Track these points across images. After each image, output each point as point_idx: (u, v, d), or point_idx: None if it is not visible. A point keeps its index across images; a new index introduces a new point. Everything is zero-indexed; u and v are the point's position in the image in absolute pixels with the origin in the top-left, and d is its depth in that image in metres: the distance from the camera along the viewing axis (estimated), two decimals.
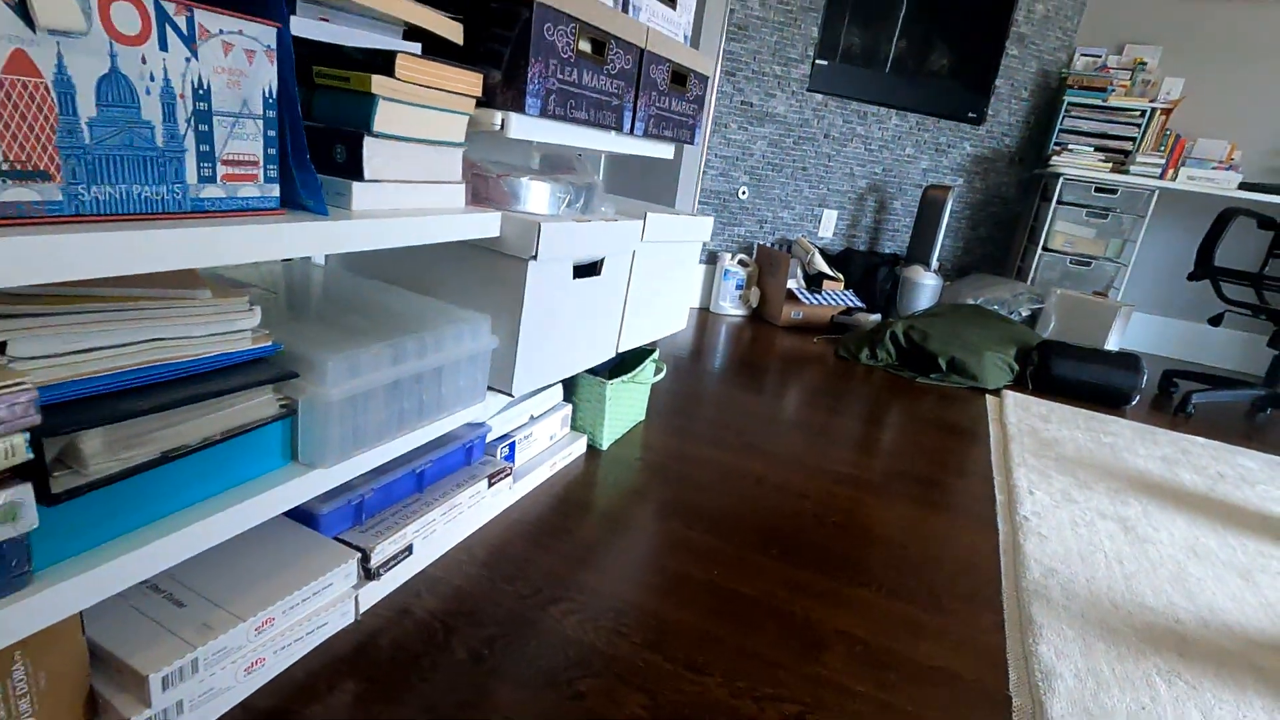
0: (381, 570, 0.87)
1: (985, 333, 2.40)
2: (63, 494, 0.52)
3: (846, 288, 2.93)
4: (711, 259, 2.98)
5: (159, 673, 0.61)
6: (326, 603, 0.79)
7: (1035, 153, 3.17)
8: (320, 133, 0.76)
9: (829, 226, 3.15)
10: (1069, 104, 2.97)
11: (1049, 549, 1.24)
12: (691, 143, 1.43)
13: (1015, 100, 3.09)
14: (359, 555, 0.83)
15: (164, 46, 0.53)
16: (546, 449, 1.28)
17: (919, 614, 1.02)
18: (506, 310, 1.00)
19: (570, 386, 1.38)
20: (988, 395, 2.21)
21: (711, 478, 1.36)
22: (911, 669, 0.90)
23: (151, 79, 0.53)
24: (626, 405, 1.46)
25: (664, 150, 1.39)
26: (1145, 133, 2.92)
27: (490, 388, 1.04)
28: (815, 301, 2.74)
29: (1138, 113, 2.92)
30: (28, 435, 0.48)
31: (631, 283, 1.28)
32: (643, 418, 1.60)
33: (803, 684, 0.85)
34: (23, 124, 0.46)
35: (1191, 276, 2.32)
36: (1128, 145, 2.96)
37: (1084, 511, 1.42)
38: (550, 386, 1.29)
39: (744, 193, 2.98)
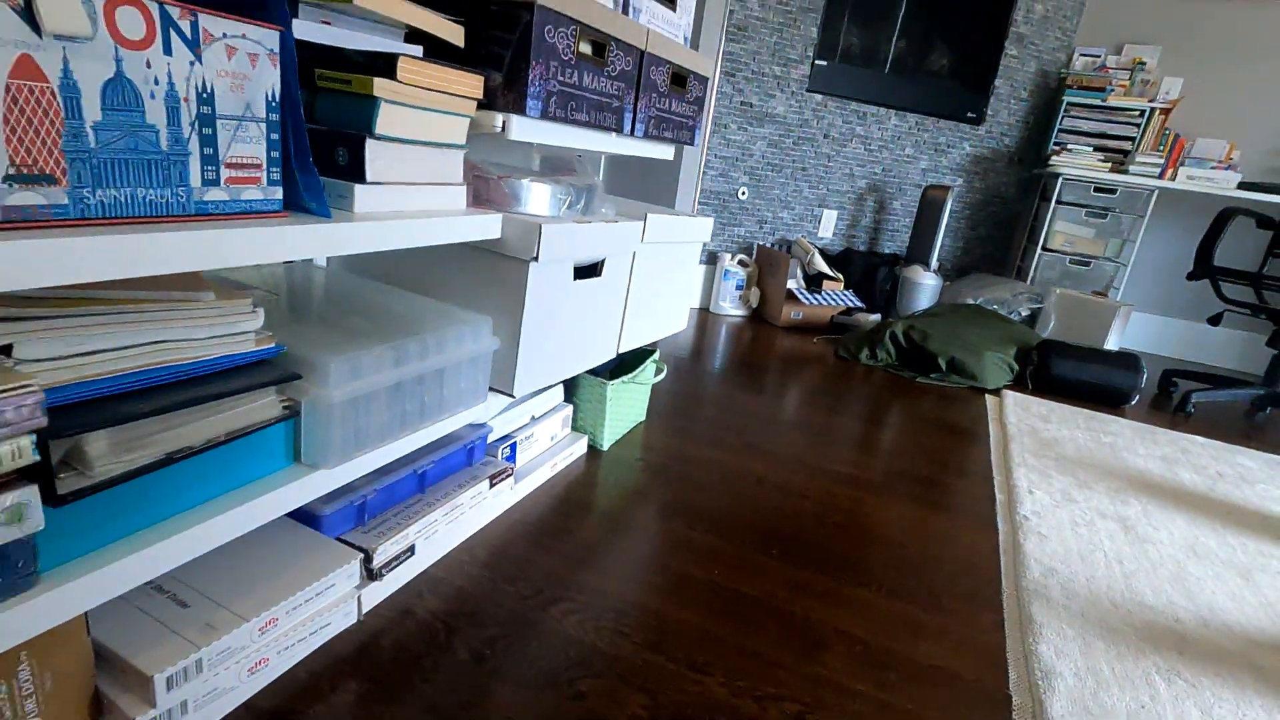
0: (384, 571, 0.87)
1: (985, 332, 2.40)
2: (68, 495, 0.52)
3: (846, 288, 2.93)
4: (711, 259, 2.98)
5: (164, 673, 0.61)
6: (329, 603, 0.79)
7: (1034, 153, 3.17)
8: (322, 135, 0.76)
9: (829, 227, 3.15)
10: (1068, 104, 2.98)
11: (1049, 548, 1.24)
12: (691, 144, 1.43)
13: (1014, 100, 3.09)
14: (361, 556, 0.83)
15: (168, 51, 0.53)
16: (547, 450, 1.28)
17: (919, 614, 1.03)
18: (508, 311, 1.00)
19: (571, 387, 1.38)
20: (988, 395, 2.21)
21: (712, 478, 1.36)
22: (912, 668, 0.91)
23: (156, 83, 0.53)
24: (627, 406, 1.47)
25: (664, 151, 1.39)
26: (1144, 132, 2.92)
27: (492, 389, 1.04)
28: (815, 302, 2.75)
29: (1137, 112, 2.93)
30: (34, 437, 0.48)
31: (632, 284, 1.29)
32: (643, 418, 1.60)
33: (803, 684, 0.85)
34: (29, 128, 0.47)
35: (1191, 276, 2.33)
36: (1127, 145, 2.96)
37: (1084, 511, 1.42)
38: (551, 387, 1.30)
39: (744, 193, 2.98)
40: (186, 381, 0.62)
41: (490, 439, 1.13)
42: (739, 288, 2.87)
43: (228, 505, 0.66)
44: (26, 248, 0.46)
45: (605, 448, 1.41)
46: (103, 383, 0.56)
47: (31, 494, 0.49)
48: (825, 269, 2.84)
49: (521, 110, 0.94)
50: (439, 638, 0.84)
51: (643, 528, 1.15)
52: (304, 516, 0.85)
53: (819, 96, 2.95)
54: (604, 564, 1.03)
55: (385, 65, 0.75)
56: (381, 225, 0.74)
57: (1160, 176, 2.87)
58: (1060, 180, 2.90)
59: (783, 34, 2.81)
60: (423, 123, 0.81)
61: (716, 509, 1.24)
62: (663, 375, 1.55)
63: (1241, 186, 2.81)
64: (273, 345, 0.70)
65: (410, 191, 0.82)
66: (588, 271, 1.13)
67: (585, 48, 1.02)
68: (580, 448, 1.37)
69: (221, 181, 0.60)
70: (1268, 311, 2.26)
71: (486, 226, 0.92)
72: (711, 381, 1.97)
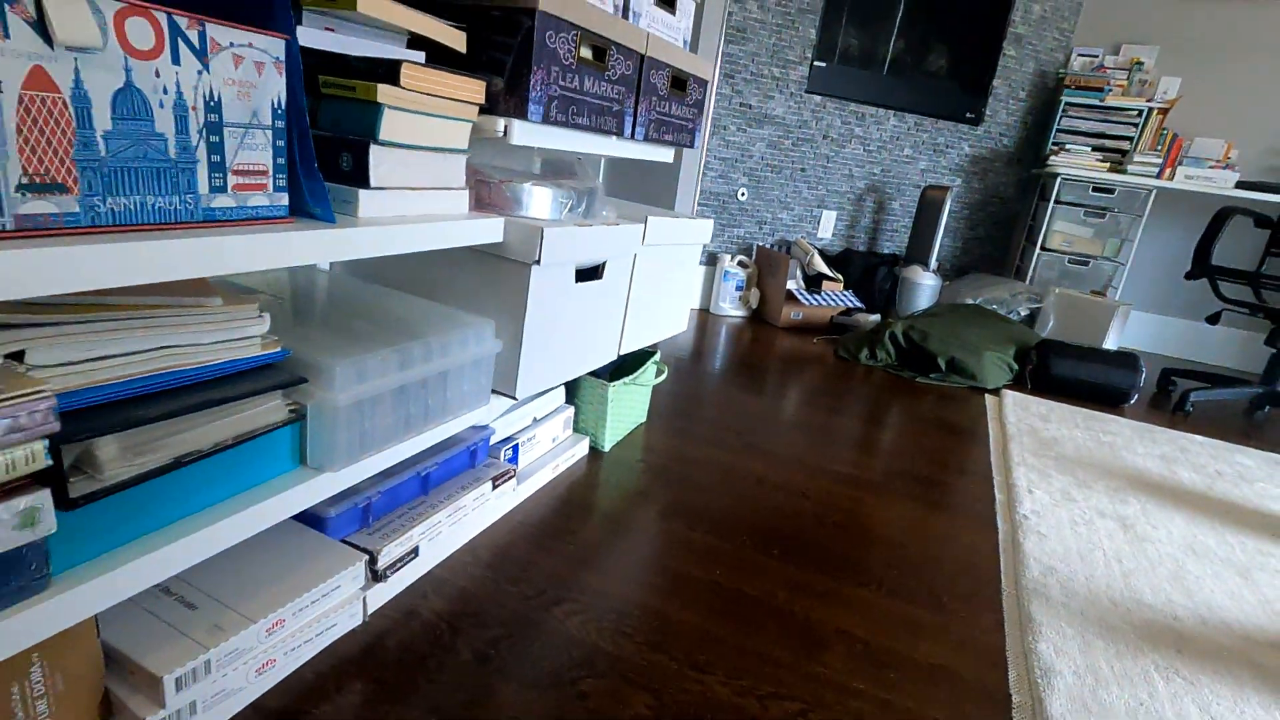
0: (388, 572, 0.88)
1: (984, 332, 2.41)
2: (80, 499, 0.53)
3: (846, 288, 2.94)
4: (711, 260, 2.99)
5: (173, 674, 0.62)
6: (335, 604, 0.80)
7: (1033, 153, 3.18)
8: (326, 141, 0.77)
9: (828, 227, 3.16)
10: (1066, 104, 2.99)
11: (1048, 547, 1.25)
12: (691, 146, 1.44)
13: (1013, 100, 3.10)
14: (366, 557, 0.84)
15: (176, 60, 0.54)
16: (549, 451, 1.29)
17: (919, 613, 1.03)
18: (510, 314, 1.01)
19: (572, 389, 1.39)
20: (987, 395, 2.22)
21: (713, 478, 1.37)
22: (912, 667, 0.91)
23: (165, 92, 0.54)
24: (628, 407, 1.47)
25: (664, 154, 1.40)
26: (1142, 132, 2.93)
27: (494, 391, 1.05)
28: (815, 302, 2.76)
29: (1135, 112, 2.93)
30: (46, 442, 0.49)
31: (632, 286, 1.30)
32: (644, 419, 1.61)
33: (804, 683, 0.86)
34: (41, 138, 0.47)
35: (1189, 275, 2.34)
36: (1125, 145, 2.97)
37: (1083, 510, 1.43)
38: (553, 389, 1.30)
39: (743, 194, 2.99)
40: (194, 386, 0.63)
41: (493, 441, 1.14)
42: (739, 288, 2.88)
43: (235, 508, 0.67)
44: (40, 256, 0.47)
45: (607, 449, 1.42)
46: (113, 388, 0.56)
47: (44, 498, 0.50)
48: (825, 269, 2.84)
49: (523, 115, 0.94)
50: (443, 638, 0.85)
51: (644, 528, 1.16)
52: (309, 519, 0.86)
53: (818, 97, 2.96)
54: (606, 564, 1.04)
55: (388, 71, 0.76)
56: (385, 230, 0.75)
57: (1158, 176, 2.88)
58: (1059, 180, 2.91)
59: (781, 35, 2.82)
60: (425, 128, 0.81)
61: (717, 509, 1.25)
62: (664, 377, 1.56)
63: (1239, 186, 2.82)
64: (278, 349, 0.71)
65: (413, 196, 0.82)
66: (589, 274, 1.14)
67: (586, 52, 1.03)
68: (582, 449, 1.37)
69: (229, 188, 0.61)
70: (1266, 310, 2.27)
71: (489, 230, 0.93)
72: (712, 382, 1.98)
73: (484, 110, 0.96)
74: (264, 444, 0.70)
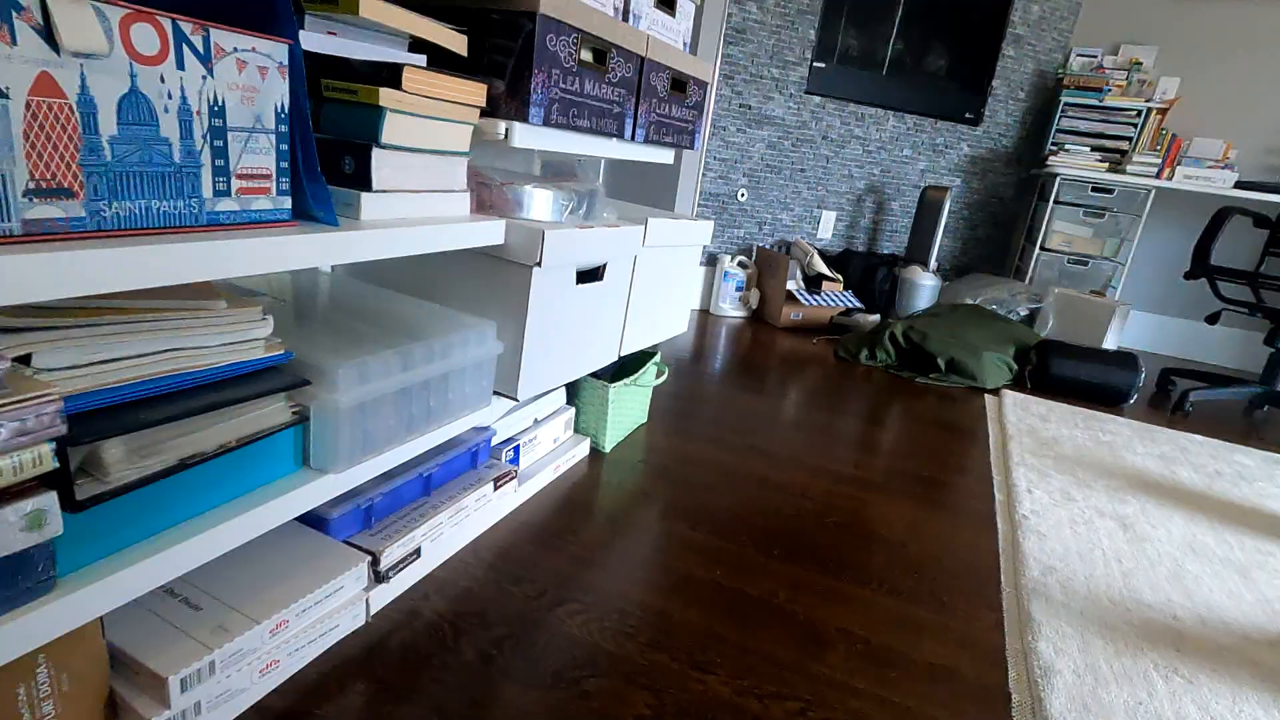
0: (391, 573, 0.88)
1: (984, 332, 2.41)
2: (86, 501, 0.54)
3: (845, 288, 2.94)
4: (711, 261, 2.99)
5: (178, 674, 0.62)
6: (338, 605, 0.80)
7: (1032, 153, 3.19)
8: (328, 144, 0.77)
9: (828, 228, 3.16)
10: (1065, 104, 2.99)
11: (1048, 547, 1.25)
12: (692, 148, 1.45)
13: (1012, 101, 3.11)
14: (369, 558, 0.85)
15: (181, 65, 0.55)
16: (550, 452, 1.30)
17: (919, 612, 1.04)
18: (511, 316, 1.01)
19: (573, 390, 1.39)
20: (986, 395, 2.22)
21: (713, 479, 1.37)
22: (912, 666, 0.92)
23: (169, 97, 0.54)
24: (629, 408, 1.48)
25: (664, 156, 1.41)
26: (1141, 132, 2.94)
27: (496, 392, 1.05)
28: (814, 302, 2.76)
29: (1134, 112, 2.94)
30: (54, 444, 0.49)
31: (633, 287, 1.30)
32: (645, 420, 1.61)
33: (805, 682, 0.86)
34: (48, 143, 0.48)
35: (1188, 275, 2.34)
36: (1124, 145, 2.97)
37: (1082, 510, 1.43)
38: (554, 390, 1.31)
39: (743, 195, 3.00)
40: (199, 388, 0.63)
41: (494, 442, 1.14)
42: (739, 289, 2.88)
43: (239, 510, 0.67)
44: (47, 260, 0.47)
45: (607, 449, 1.42)
46: (118, 390, 0.57)
47: (51, 500, 0.50)
48: (824, 270, 2.85)
49: (524, 117, 0.95)
50: (446, 638, 0.85)
51: (645, 528, 1.16)
52: (312, 520, 0.86)
53: (817, 98, 2.96)
54: (608, 565, 1.05)
55: (390, 75, 0.76)
56: (388, 233, 0.75)
57: (1157, 176, 2.89)
58: (1058, 180, 2.92)
59: (781, 36, 2.82)
60: (427, 131, 0.82)
61: (718, 509, 1.26)
62: (664, 378, 1.56)
63: (1238, 186, 2.82)
64: (282, 352, 0.71)
65: (415, 199, 0.83)
66: (590, 276, 1.14)
67: (586, 55, 1.03)
68: (583, 450, 1.38)
69: (232, 192, 0.61)
70: (1265, 310, 2.27)
71: (490, 233, 0.93)
72: (712, 383, 1.98)
73: (485, 113, 0.96)
74: (267, 446, 0.70)
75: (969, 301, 2.80)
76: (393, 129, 0.77)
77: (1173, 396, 2.50)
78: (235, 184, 0.61)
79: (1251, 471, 1.81)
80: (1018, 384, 2.37)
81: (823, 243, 3.20)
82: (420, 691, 0.77)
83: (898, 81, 3.03)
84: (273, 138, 0.63)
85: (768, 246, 3.10)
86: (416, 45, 0.90)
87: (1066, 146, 3.00)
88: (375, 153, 0.76)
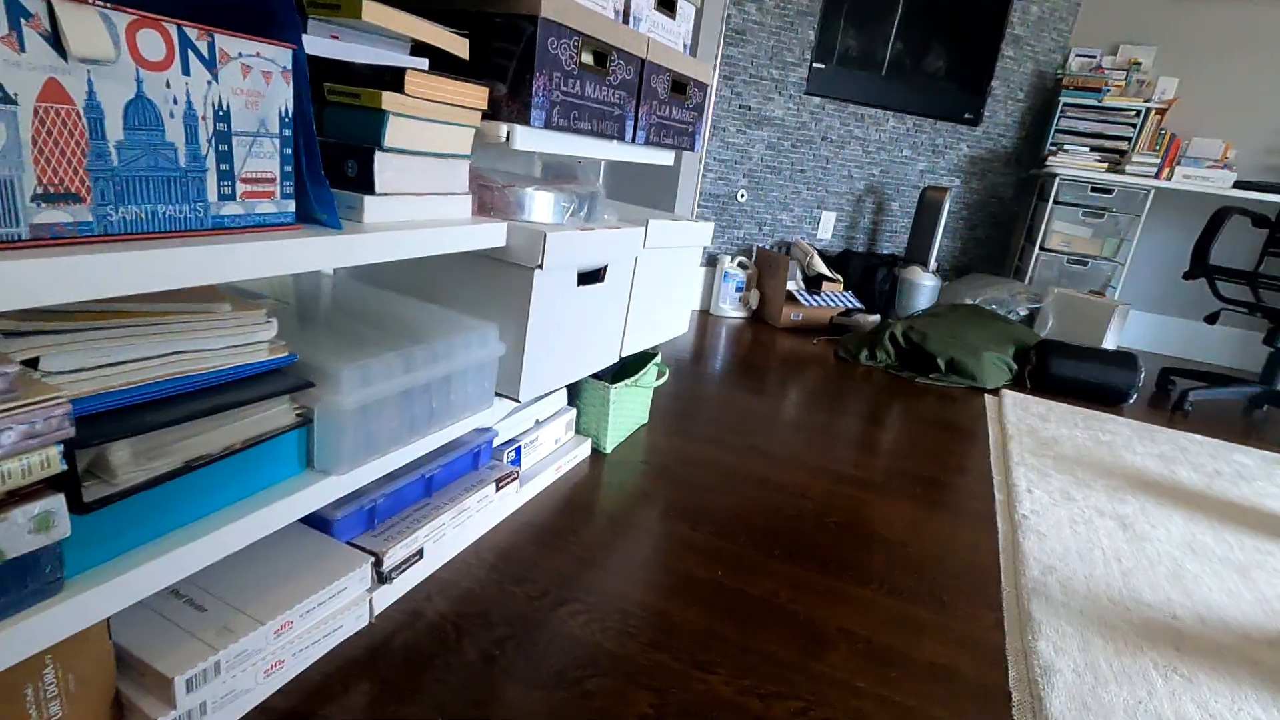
0: (394, 574, 0.89)
1: (983, 332, 2.42)
2: (93, 503, 0.54)
3: (845, 289, 2.95)
4: (711, 261, 3.00)
5: (184, 675, 0.62)
6: (342, 606, 0.81)
7: (1032, 153, 3.19)
8: (331, 148, 0.78)
9: (827, 228, 3.17)
10: (1064, 104, 3.00)
11: (1048, 547, 1.26)
12: (692, 149, 1.45)
13: (1011, 101, 3.11)
14: (372, 559, 0.85)
15: (186, 71, 0.55)
16: (552, 453, 1.30)
17: (920, 612, 1.04)
18: (513, 318, 1.02)
19: (574, 391, 1.40)
20: (986, 395, 2.23)
21: (714, 479, 1.38)
22: (913, 666, 0.92)
23: (175, 102, 0.55)
24: (630, 409, 1.48)
25: (665, 158, 1.41)
26: (1140, 132, 2.94)
27: (497, 394, 1.06)
28: (814, 303, 2.77)
29: (1133, 113, 2.94)
30: (61, 447, 0.50)
31: (634, 288, 1.30)
32: (645, 420, 1.62)
33: (807, 681, 0.87)
34: (56, 149, 0.48)
35: (1187, 275, 2.35)
36: (1123, 145, 2.98)
37: (1082, 509, 1.44)
38: (555, 391, 1.31)
39: (743, 196, 3.00)
40: (204, 391, 0.64)
41: (496, 443, 1.15)
42: (739, 290, 2.88)
43: (244, 511, 0.67)
44: (54, 265, 0.47)
45: (609, 450, 1.43)
46: (125, 393, 0.57)
47: (58, 502, 0.51)
48: (824, 270, 2.85)
49: (526, 120, 0.95)
50: (448, 639, 0.86)
51: (647, 529, 1.16)
52: (315, 521, 0.86)
53: (817, 99, 2.97)
54: (609, 565, 1.05)
55: (393, 79, 0.77)
56: (391, 235, 0.76)
57: (1156, 176, 2.89)
58: (1057, 180, 2.92)
59: (780, 37, 2.83)
60: (429, 134, 0.82)
61: (719, 510, 1.26)
62: (665, 378, 1.56)
63: (1237, 185, 2.83)
64: (286, 354, 0.71)
65: (417, 201, 0.83)
66: (591, 277, 1.15)
67: (587, 58, 1.04)
68: (584, 450, 1.38)
69: (237, 196, 0.62)
70: (1264, 310, 2.28)
71: (492, 235, 0.94)
72: (712, 383, 1.98)
73: (487, 116, 0.96)
74: (272, 448, 0.71)
75: (969, 302, 2.81)
76: (395, 132, 0.77)
77: (1172, 396, 2.51)
78: (240, 188, 0.62)
79: (1251, 471, 1.81)
80: (1017, 384, 2.37)
81: (822, 243, 3.20)
82: (423, 692, 0.77)
83: (897, 82, 3.03)
84: (277, 142, 0.64)
85: (768, 247, 3.10)
86: (418, 49, 0.91)
87: (1066, 147, 3.00)
88: (378, 156, 0.76)
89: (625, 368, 1.54)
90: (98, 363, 0.55)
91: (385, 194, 0.78)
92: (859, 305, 2.85)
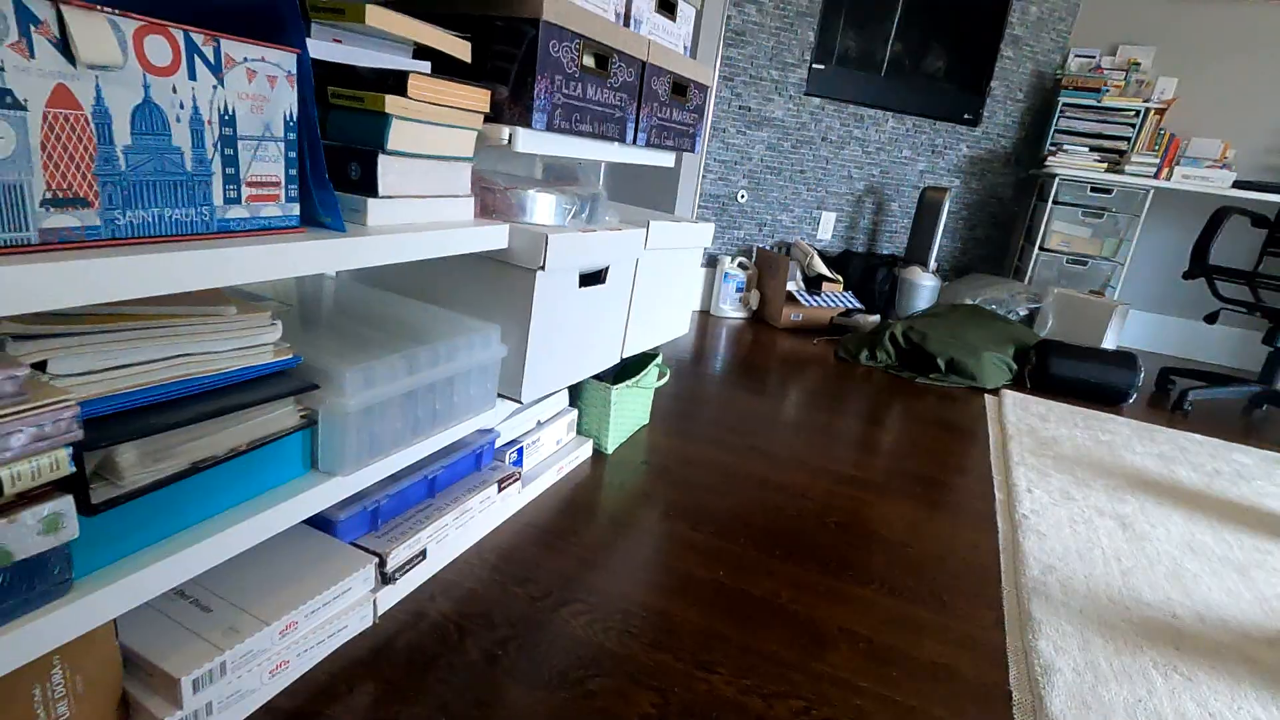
0: (397, 575, 0.89)
1: (983, 333, 2.42)
2: (101, 504, 0.55)
3: (845, 289, 2.95)
4: (711, 262, 3.00)
5: (190, 675, 0.63)
6: (346, 606, 0.81)
7: (1031, 153, 3.20)
8: (335, 151, 0.78)
9: (827, 229, 3.17)
10: (1064, 105, 3.00)
11: (1048, 546, 1.26)
12: (692, 151, 1.46)
13: (1011, 102, 3.12)
14: (376, 560, 0.85)
15: (193, 76, 0.56)
16: (554, 453, 1.31)
17: (921, 611, 1.05)
18: (515, 319, 1.02)
19: (576, 392, 1.40)
20: (986, 395, 2.23)
21: (715, 480, 1.38)
22: (914, 665, 0.93)
23: (181, 107, 0.55)
24: (631, 409, 1.49)
25: (666, 159, 1.42)
26: (1139, 132, 2.95)
27: (500, 395, 1.06)
28: (814, 303, 2.77)
29: (1132, 113, 2.95)
30: (70, 449, 0.50)
31: (635, 290, 1.31)
32: (646, 421, 1.62)
33: (808, 681, 0.87)
34: (64, 154, 0.49)
35: (1187, 275, 2.35)
36: (1122, 145, 2.99)
37: (1082, 509, 1.44)
38: (556, 392, 1.32)
39: (743, 196, 3.01)
40: (210, 393, 0.64)
41: (498, 444, 1.15)
42: (739, 290, 2.89)
43: (249, 512, 0.68)
44: (64, 269, 0.48)
45: (610, 451, 1.43)
46: (131, 395, 0.58)
47: (67, 504, 0.51)
48: (824, 271, 2.86)
49: (528, 123, 0.96)
50: (451, 639, 0.86)
51: (648, 529, 1.17)
52: (319, 522, 0.87)
53: (816, 100, 2.97)
54: (611, 565, 1.05)
55: (396, 82, 0.77)
56: (394, 238, 0.76)
57: (1156, 176, 2.90)
58: (1057, 180, 2.93)
59: (780, 38, 2.83)
60: (432, 137, 0.83)
61: (720, 510, 1.26)
62: (666, 379, 1.57)
63: (1236, 185, 2.83)
64: (290, 356, 0.72)
65: (420, 204, 0.84)
66: (592, 279, 1.15)
67: (589, 60, 1.04)
68: (585, 451, 1.39)
69: (242, 200, 0.62)
70: (1263, 309, 2.28)
71: (494, 237, 0.94)
72: (713, 384, 1.99)
73: (489, 118, 0.97)
74: (276, 449, 0.71)
75: (968, 302, 2.81)
76: (398, 135, 0.78)
77: (1172, 396, 2.51)
78: (245, 191, 0.62)
79: (1250, 470, 1.82)
80: (1017, 384, 2.38)
81: (822, 244, 3.21)
82: (427, 692, 0.78)
83: (897, 83, 3.04)
84: (281, 145, 0.64)
85: (768, 248, 3.11)
86: (421, 52, 0.91)
87: (1065, 147, 3.01)
88: (381, 159, 0.77)
89: (626, 369, 1.55)
90: (105, 365, 0.56)
91: (388, 197, 0.79)
92: (859, 305, 2.86)
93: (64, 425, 0.49)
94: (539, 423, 1.26)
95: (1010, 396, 2.19)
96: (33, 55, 0.46)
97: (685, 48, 1.40)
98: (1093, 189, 2.93)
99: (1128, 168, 2.92)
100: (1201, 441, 2.01)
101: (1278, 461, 1.92)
